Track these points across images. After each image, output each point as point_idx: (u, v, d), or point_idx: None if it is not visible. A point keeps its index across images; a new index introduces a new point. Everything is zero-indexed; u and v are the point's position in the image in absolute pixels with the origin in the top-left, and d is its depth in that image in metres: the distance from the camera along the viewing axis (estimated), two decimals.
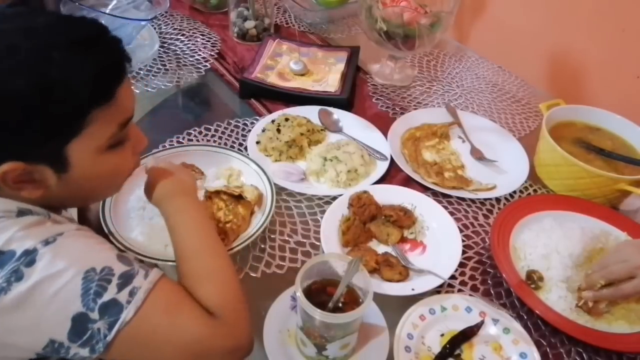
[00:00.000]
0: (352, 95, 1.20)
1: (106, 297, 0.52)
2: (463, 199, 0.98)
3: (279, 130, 1.04)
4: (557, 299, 0.79)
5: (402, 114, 1.17)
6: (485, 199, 0.99)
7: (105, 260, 0.54)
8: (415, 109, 1.21)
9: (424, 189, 0.99)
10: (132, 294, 0.53)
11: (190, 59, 1.29)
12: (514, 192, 1.01)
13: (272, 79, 1.21)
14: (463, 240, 0.88)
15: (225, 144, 1.04)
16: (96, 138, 0.56)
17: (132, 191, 0.86)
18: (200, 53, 1.31)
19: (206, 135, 1.06)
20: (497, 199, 0.99)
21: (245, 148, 1.03)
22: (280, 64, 1.26)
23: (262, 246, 0.86)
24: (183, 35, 1.38)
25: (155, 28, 1.35)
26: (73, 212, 0.76)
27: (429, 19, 1.13)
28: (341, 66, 1.27)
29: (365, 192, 0.91)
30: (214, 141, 1.05)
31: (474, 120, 1.17)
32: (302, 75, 1.24)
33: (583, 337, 0.74)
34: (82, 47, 0.53)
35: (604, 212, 0.93)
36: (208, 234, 0.67)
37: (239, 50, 1.35)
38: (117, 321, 0.51)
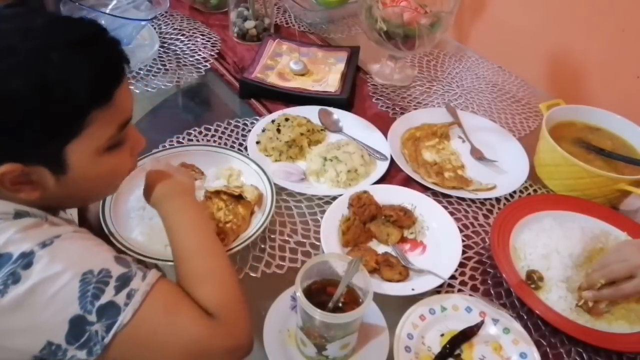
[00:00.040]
0: (352, 95, 1.20)
1: (104, 299, 0.52)
2: (463, 199, 0.98)
3: (279, 130, 1.04)
4: (557, 299, 0.79)
5: (402, 114, 1.17)
6: (485, 199, 0.99)
7: (103, 263, 0.54)
8: (415, 109, 1.21)
9: (424, 189, 0.99)
10: (129, 296, 0.53)
11: (190, 59, 1.29)
12: (514, 192, 1.01)
13: (272, 79, 1.21)
14: (463, 240, 0.88)
15: (225, 144, 1.04)
16: (95, 139, 0.56)
17: (132, 191, 0.86)
18: (200, 53, 1.31)
19: (206, 135, 1.06)
20: (497, 199, 0.99)
21: (245, 148, 1.03)
22: (280, 64, 1.26)
23: (262, 246, 0.86)
24: (183, 35, 1.38)
25: (155, 28, 1.35)
26: (73, 213, 0.76)
27: (429, 19, 1.13)
28: (341, 66, 1.27)
29: (365, 192, 0.91)
30: (214, 141, 1.05)
31: (474, 120, 1.17)
32: (302, 75, 1.24)
33: (583, 337, 0.74)
34: (80, 48, 0.53)
35: (604, 212, 0.93)
36: (206, 234, 0.67)
37: (239, 50, 1.35)
38: (115, 323, 0.51)
